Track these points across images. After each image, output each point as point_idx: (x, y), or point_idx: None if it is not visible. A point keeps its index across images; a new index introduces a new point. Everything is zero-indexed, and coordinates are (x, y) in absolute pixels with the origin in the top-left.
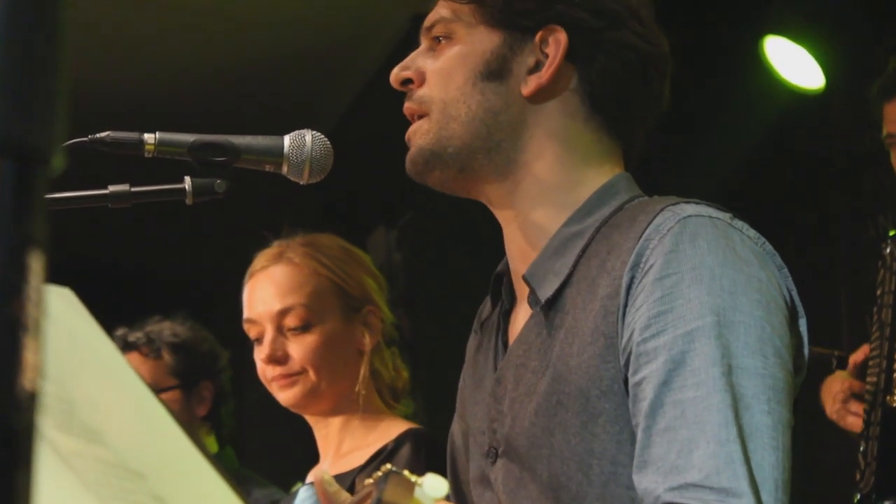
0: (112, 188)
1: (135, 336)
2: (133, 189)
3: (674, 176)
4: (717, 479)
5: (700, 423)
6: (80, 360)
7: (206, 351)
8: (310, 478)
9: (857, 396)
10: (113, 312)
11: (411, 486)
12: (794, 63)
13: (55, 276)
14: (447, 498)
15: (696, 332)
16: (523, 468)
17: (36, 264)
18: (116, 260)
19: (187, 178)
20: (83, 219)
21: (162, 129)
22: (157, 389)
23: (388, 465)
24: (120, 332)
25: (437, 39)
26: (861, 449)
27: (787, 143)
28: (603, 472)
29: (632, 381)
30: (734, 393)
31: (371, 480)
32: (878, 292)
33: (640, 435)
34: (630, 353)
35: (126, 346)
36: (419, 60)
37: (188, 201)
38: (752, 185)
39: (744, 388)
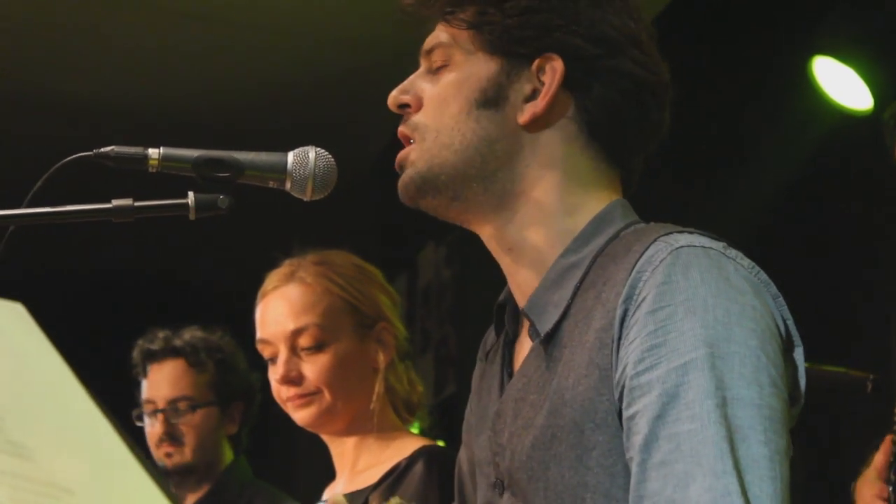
0: (115, 202)
1: (181, 342)
2: (136, 204)
3: (721, 196)
4: None
5: (696, 457)
6: (20, 374)
7: (243, 371)
8: (326, 495)
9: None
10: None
11: None
12: (842, 84)
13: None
14: None
15: (689, 364)
16: (525, 502)
17: None
18: (160, 270)
19: (190, 194)
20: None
21: (207, 147)
22: (197, 404)
23: (397, 499)
24: (162, 334)
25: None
26: (891, 477)
27: (836, 163)
28: None
29: (625, 414)
30: (729, 425)
31: None
32: None
33: (634, 469)
34: (624, 387)
35: (171, 352)
36: (417, 84)
37: (191, 216)
38: (799, 205)
39: (739, 420)
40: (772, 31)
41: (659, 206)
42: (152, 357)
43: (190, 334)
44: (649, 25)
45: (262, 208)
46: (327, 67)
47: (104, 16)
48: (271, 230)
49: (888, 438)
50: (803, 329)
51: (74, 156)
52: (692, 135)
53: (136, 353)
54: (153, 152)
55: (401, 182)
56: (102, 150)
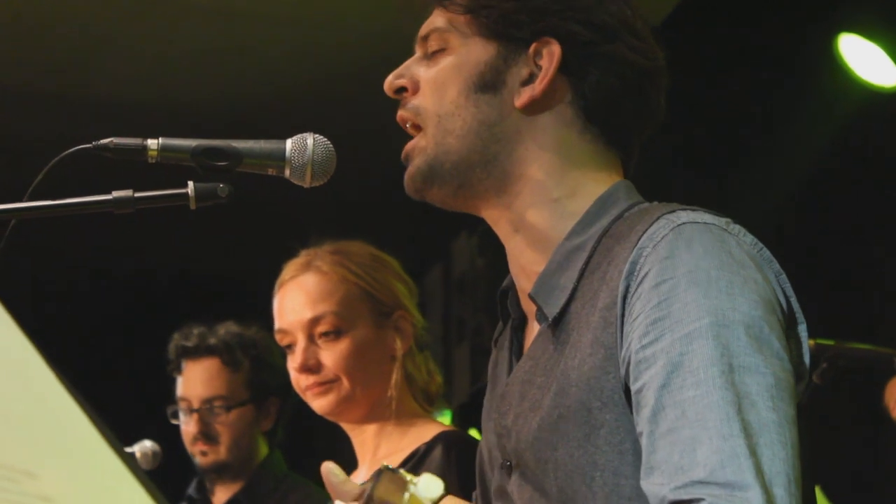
0: (115, 194)
1: (215, 339)
2: (136, 195)
3: (750, 176)
4: (721, 473)
5: (702, 421)
6: None
7: (279, 366)
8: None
9: None
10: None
11: (404, 485)
12: (868, 61)
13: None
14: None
15: (693, 333)
16: (534, 483)
17: None
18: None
19: (190, 183)
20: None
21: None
22: (231, 404)
23: (384, 464)
24: (197, 330)
25: (433, 52)
26: None
27: (863, 140)
28: (606, 484)
29: (633, 389)
30: (736, 391)
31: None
32: None
33: (644, 441)
34: (630, 362)
35: (206, 350)
36: (413, 68)
37: (192, 206)
38: (827, 182)
39: (747, 386)
40: (797, 9)
41: (686, 188)
42: (187, 354)
43: (225, 330)
44: (644, 13)
45: (296, 201)
46: (356, 57)
47: (119, 13)
48: (305, 223)
49: None
50: (830, 307)
51: (74, 148)
52: (719, 116)
53: (171, 350)
54: (152, 143)
55: (407, 174)
56: (101, 142)
